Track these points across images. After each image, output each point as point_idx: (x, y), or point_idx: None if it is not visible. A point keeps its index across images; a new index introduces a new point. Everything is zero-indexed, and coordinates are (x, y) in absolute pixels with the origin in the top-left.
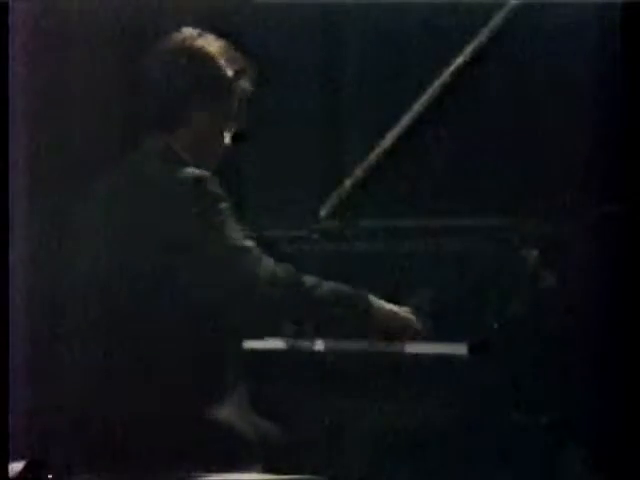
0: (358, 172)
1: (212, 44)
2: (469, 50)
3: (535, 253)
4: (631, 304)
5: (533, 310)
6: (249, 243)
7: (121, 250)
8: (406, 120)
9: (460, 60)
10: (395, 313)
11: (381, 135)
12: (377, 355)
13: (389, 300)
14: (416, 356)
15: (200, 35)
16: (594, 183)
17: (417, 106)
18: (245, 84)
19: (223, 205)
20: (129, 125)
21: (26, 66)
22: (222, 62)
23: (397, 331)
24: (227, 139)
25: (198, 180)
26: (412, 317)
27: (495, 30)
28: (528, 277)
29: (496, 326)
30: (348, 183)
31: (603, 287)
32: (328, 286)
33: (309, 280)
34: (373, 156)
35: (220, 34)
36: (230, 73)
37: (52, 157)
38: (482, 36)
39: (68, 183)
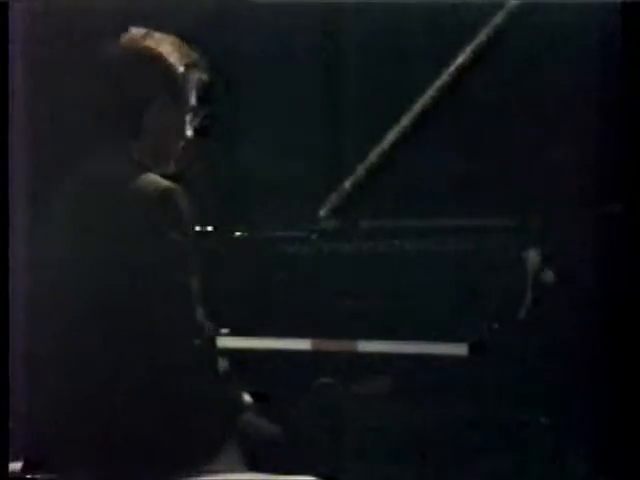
0: (358, 172)
1: (158, 42)
2: (469, 50)
3: (535, 253)
4: (631, 304)
5: (533, 310)
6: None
7: (80, 256)
8: (406, 120)
9: (460, 60)
10: None
11: (381, 135)
12: (376, 355)
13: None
14: (416, 356)
15: (147, 34)
16: (594, 183)
17: (417, 106)
18: (199, 75)
19: (185, 222)
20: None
21: (26, 66)
22: (171, 59)
23: None
24: (189, 133)
25: (164, 194)
26: None
27: (495, 30)
28: (528, 277)
29: (496, 326)
30: (348, 183)
31: (603, 287)
32: None
33: None
34: (373, 156)
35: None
36: (180, 69)
37: (52, 158)
38: (482, 36)
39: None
